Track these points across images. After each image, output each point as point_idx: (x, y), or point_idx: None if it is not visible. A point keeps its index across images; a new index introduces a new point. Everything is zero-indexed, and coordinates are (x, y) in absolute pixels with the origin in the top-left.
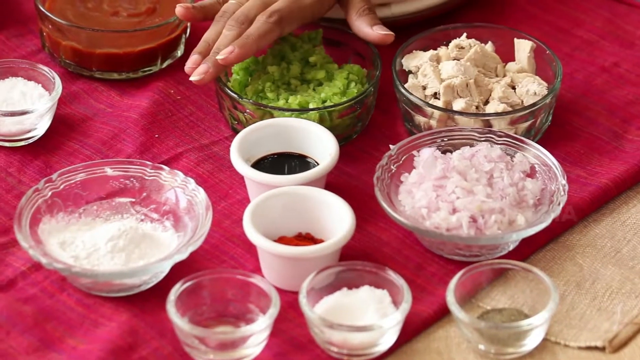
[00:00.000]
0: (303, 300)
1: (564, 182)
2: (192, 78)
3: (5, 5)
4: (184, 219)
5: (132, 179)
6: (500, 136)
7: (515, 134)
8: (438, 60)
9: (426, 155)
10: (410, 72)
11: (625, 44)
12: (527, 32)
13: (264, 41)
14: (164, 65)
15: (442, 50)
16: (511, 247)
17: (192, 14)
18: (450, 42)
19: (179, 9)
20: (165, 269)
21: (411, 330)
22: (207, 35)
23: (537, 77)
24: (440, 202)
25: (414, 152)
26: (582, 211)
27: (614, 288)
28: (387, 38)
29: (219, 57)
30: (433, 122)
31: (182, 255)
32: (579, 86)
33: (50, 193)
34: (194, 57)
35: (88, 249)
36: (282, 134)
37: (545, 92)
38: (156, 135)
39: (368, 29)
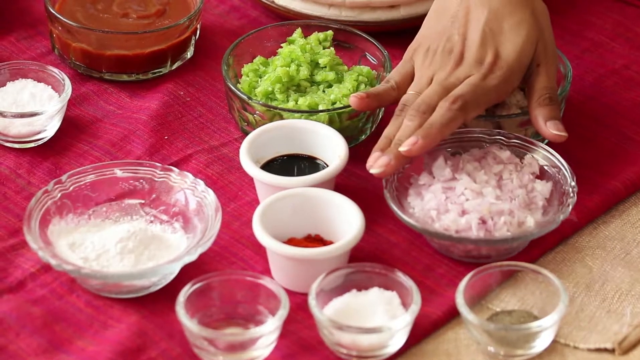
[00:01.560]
0: (312, 301)
1: (573, 183)
2: (372, 170)
3: (15, 7)
4: (194, 221)
5: (141, 181)
6: (509, 138)
7: (525, 136)
8: None
9: (435, 157)
10: None
11: (635, 46)
12: None
13: (448, 130)
14: (174, 66)
15: None
16: (520, 249)
17: (367, 103)
18: None
19: (353, 100)
20: (174, 270)
21: (420, 332)
22: (388, 131)
23: None
24: (449, 204)
25: (424, 154)
26: (592, 213)
27: (623, 290)
28: (559, 138)
29: (402, 148)
30: None
31: (192, 257)
32: (588, 88)
33: (59, 194)
34: (375, 155)
35: (97, 251)
36: (291, 136)
37: None
38: (166, 137)
39: (541, 123)
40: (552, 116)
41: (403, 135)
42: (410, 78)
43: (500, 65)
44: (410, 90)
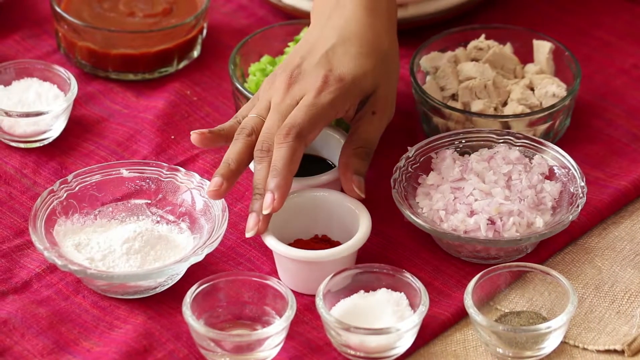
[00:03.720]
0: (319, 302)
1: (582, 184)
2: (248, 234)
3: (20, 6)
4: (200, 221)
5: (147, 181)
6: (518, 138)
7: (534, 135)
8: (456, 61)
9: (444, 157)
10: (428, 73)
11: None
12: (546, 33)
13: (294, 163)
14: (180, 66)
15: (460, 52)
16: (529, 250)
17: (211, 139)
18: (468, 43)
19: (194, 136)
20: (181, 271)
21: (428, 333)
22: (228, 156)
23: (556, 78)
24: (458, 205)
25: (432, 154)
26: (601, 213)
27: (633, 291)
28: (357, 196)
29: (264, 211)
30: (451, 124)
31: (198, 257)
32: (598, 88)
33: (65, 194)
34: (216, 180)
35: (103, 251)
36: None
37: (564, 93)
38: (172, 137)
39: (348, 174)
40: (362, 172)
41: (258, 182)
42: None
43: (333, 79)
44: (252, 114)
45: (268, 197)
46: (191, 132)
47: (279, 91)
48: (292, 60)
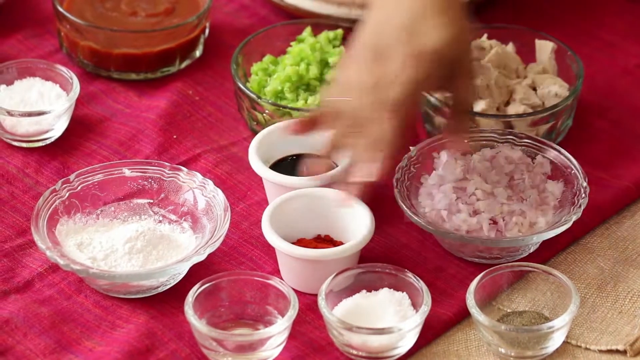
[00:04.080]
0: (322, 302)
1: (585, 184)
2: (340, 204)
3: (23, 6)
4: (202, 221)
5: (150, 180)
6: (521, 138)
7: (537, 135)
8: None
9: (446, 157)
10: None
11: None
12: (548, 33)
13: (397, 138)
14: (183, 65)
15: None
16: (532, 250)
17: (305, 125)
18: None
19: (287, 127)
20: (183, 270)
21: (430, 333)
22: (333, 141)
23: (558, 78)
24: (460, 204)
25: (434, 154)
26: (603, 213)
27: (635, 291)
28: (346, 203)
29: (365, 178)
30: None
31: (200, 257)
32: (600, 87)
33: (67, 194)
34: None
35: (105, 251)
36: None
37: (567, 93)
38: (174, 136)
39: (448, 136)
40: (461, 128)
41: (355, 156)
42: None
43: (419, 53)
44: (338, 96)
45: (370, 166)
46: (284, 126)
47: (364, 71)
48: (369, 38)
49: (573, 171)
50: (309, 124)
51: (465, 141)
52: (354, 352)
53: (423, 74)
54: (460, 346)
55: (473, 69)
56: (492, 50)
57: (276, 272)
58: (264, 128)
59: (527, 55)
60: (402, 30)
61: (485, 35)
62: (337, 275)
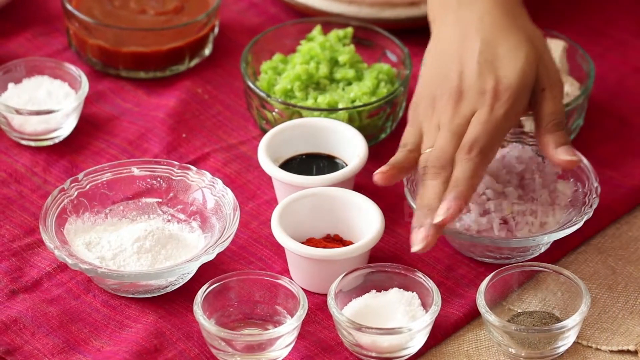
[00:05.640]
0: (331, 302)
1: (596, 184)
2: (414, 249)
3: (31, 4)
4: (211, 220)
5: (159, 179)
6: (532, 137)
7: None
8: None
9: None
10: None
11: None
12: (559, 32)
13: (476, 181)
14: (192, 64)
15: None
16: (542, 250)
17: (391, 175)
18: None
19: (377, 177)
20: (192, 270)
21: (440, 333)
22: (421, 200)
23: (569, 77)
24: (470, 204)
25: None
26: (615, 213)
27: None
28: (571, 165)
29: (437, 218)
30: None
31: (209, 257)
32: (611, 87)
33: (76, 193)
34: (419, 228)
35: (114, 250)
36: (310, 134)
37: (578, 92)
38: (183, 135)
39: (552, 151)
40: (562, 142)
41: (431, 197)
42: (422, 135)
43: (503, 90)
44: (426, 149)
45: (445, 204)
46: (374, 174)
47: (447, 110)
48: (446, 76)
49: (584, 171)
50: (398, 172)
51: (568, 156)
52: (364, 352)
53: (505, 113)
54: (470, 346)
55: (554, 78)
56: None
57: (285, 271)
58: (273, 127)
59: None
60: (479, 63)
61: None
62: (346, 275)
